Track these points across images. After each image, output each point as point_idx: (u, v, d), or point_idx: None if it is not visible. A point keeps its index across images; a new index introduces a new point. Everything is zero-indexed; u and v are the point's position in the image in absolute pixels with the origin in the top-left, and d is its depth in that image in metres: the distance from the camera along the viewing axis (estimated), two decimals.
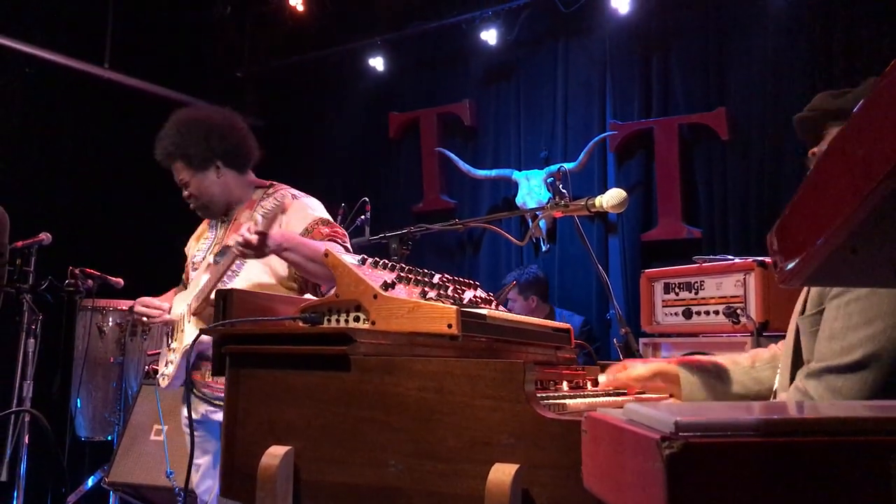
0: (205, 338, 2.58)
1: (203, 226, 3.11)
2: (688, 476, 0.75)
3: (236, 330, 1.78)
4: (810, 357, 1.65)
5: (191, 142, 2.85)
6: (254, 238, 2.41)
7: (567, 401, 1.67)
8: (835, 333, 1.55)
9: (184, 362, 2.69)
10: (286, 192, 2.90)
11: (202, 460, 2.75)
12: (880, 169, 0.75)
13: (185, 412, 2.83)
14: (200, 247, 3.00)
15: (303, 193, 2.91)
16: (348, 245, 2.75)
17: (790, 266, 0.93)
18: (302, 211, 2.78)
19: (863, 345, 1.51)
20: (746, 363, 2.03)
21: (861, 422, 0.80)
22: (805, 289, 1.74)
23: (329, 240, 2.65)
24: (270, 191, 2.94)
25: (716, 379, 2.00)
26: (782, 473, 0.76)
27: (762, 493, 0.76)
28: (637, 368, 2.03)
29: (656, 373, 2.01)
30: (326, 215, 2.83)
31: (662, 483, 0.76)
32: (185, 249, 3.13)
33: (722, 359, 2.06)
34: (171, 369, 2.78)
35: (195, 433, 2.79)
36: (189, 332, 2.75)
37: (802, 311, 1.72)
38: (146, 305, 2.86)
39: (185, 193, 2.92)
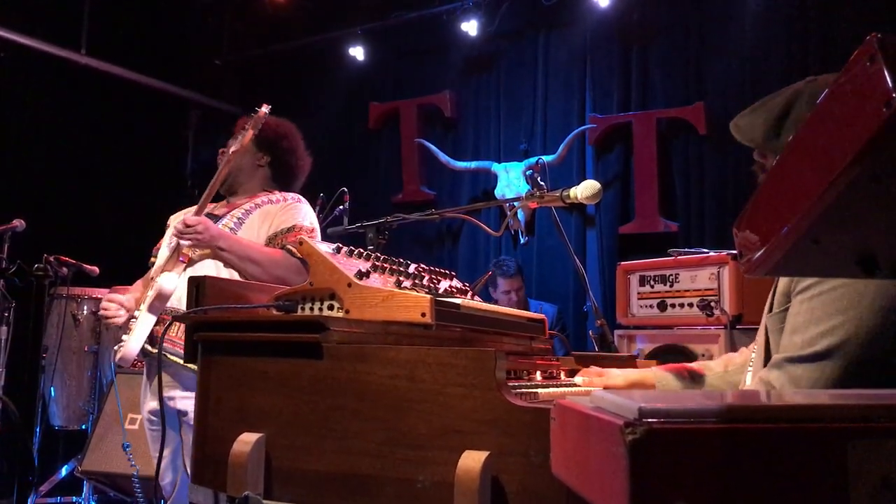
0: (168, 287, 2.59)
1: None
2: (650, 462, 0.76)
3: (209, 317, 1.77)
4: (776, 353, 1.68)
5: (275, 132, 3.12)
6: (194, 220, 2.66)
7: (539, 390, 1.68)
8: (797, 328, 1.58)
9: (148, 321, 2.67)
10: (292, 194, 3.06)
11: (163, 451, 2.72)
12: (841, 159, 0.76)
13: (149, 405, 2.81)
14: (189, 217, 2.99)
15: (305, 201, 3.05)
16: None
17: (755, 256, 0.95)
18: (295, 212, 2.93)
19: (823, 337, 1.53)
20: (720, 369, 2.05)
21: (820, 409, 0.81)
22: (773, 287, 1.77)
23: (291, 247, 2.78)
24: (277, 194, 3.04)
25: (691, 385, 2.03)
26: (743, 459, 0.77)
27: (724, 478, 0.77)
28: (614, 378, 2.03)
29: (633, 383, 2.02)
30: (314, 226, 2.97)
31: (625, 468, 0.77)
32: (169, 221, 3.13)
33: (697, 366, 2.08)
34: (127, 337, 2.71)
35: (154, 427, 2.78)
36: (152, 291, 2.74)
37: (770, 310, 1.75)
38: (111, 301, 2.82)
39: (222, 150, 3.02)
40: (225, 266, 2.74)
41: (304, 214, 2.95)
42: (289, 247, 2.79)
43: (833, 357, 1.52)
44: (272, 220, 2.87)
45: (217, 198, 3.17)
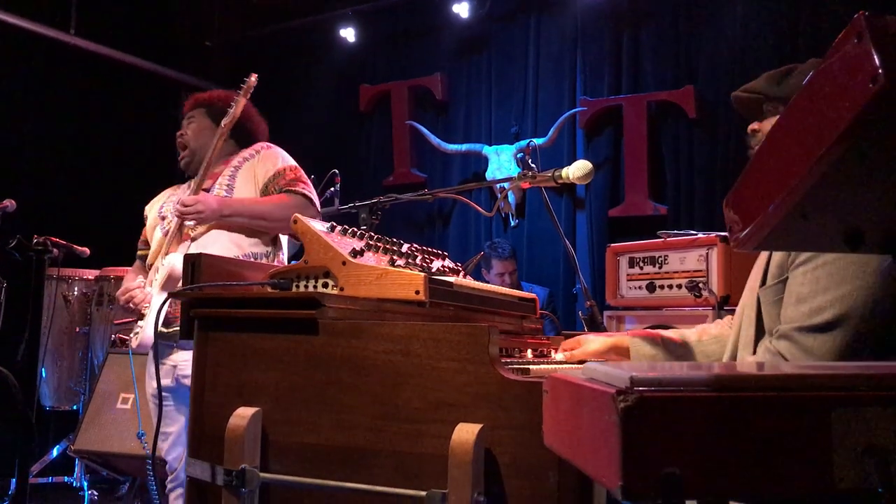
0: (179, 266, 2.61)
1: (170, 190, 3.18)
2: (642, 429, 0.79)
3: (205, 294, 1.79)
4: (773, 326, 1.69)
5: (226, 100, 3.10)
6: (191, 200, 2.71)
7: (531, 366, 1.71)
8: (802, 297, 1.59)
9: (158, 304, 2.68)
10: (260, 143, 3.09)
11: (172, 428, 2.75)
12: (829, 135, 0.79)
13: (152, 382, 2.83)
14: (171, 201, 3.02)
15: (274, 145, 3.10)
16: (311, 191, 2.94)
17: (744, 231, 0.97)
18: (273, 157, 2.98)
19: (832, 306, 1.54)
20: (694, 338, 2.09)
21: (805, 378, 0.84)
22: (762, 263, 1.79)
23: (288, 188, 2.87)
24: (246, 151, 3.07)
25: (665, 353, 2.06)
26: (731, 426, 0.80)
27: (712, 444, 0.79)
28: (592, 344, 2.08)
29: (610, 347, 2.06)
30: (295, 163, 3.03)
31: (618, 435, 0.79)
32: (146, 211, 3.16)
33: (672, 333, 2.11)
34: (143, 323, 2.72)
35: (164, 402, 2.80)
36: (162, 271, 2.75)
37: (762, 284, 1.77)
38: (129, 289, 2.83)
39: (180, 133, 3.13)
40: (230, 231, 2.80)
41: (282, 156, 3.01)
42: (287, 189, 2.87)
43: (843, 325, 1.54)
44: (256, 174, 2.92)
45: (182, 179, 3.19)
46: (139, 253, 3.14)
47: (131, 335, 2.80)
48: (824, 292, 1.55)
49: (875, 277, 1.52)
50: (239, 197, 2.85)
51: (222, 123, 2.92)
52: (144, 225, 3.14)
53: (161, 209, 3.01)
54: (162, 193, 3.18)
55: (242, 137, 3.10)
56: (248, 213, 2.79)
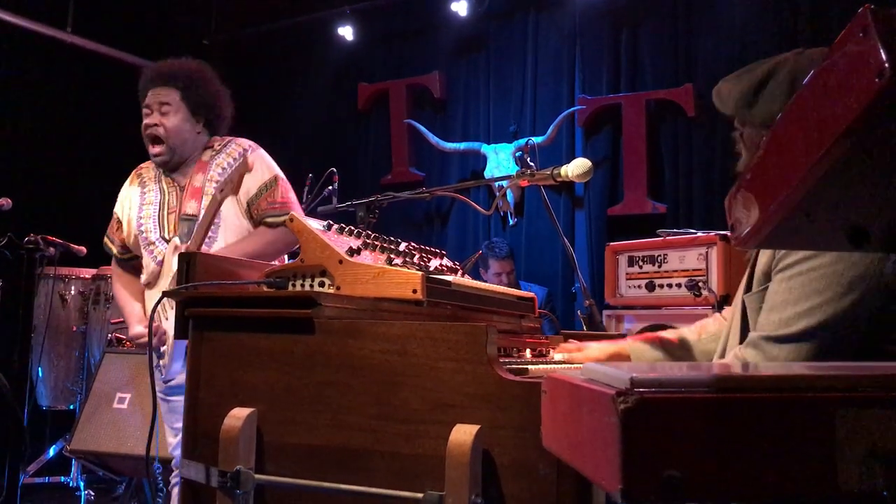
0: None
1: (133, 187, 3.02)
2: (642, 430, 0.77)
3: (200, 293, 1.77)
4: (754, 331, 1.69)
5: (203, 86, 2.93)
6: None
7: (529, 366, 1.69)
8: (775, 306, 1.59)
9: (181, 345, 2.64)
10: (239, 146, 2.93)
11: (180, 425, 2.73)
12: (833, 132, 0.77)
13: (160, 383, 2.81)
14: (147, 213, 2.91)
15: (255, 145, 2.96)
16: (297, 212, 2.84)
17: (746, 229, 0.96)
18: (255, 168, 2.81)
19: (801, 319, 1.54)
20: (693, 337, 2.08)
21: (809, 379, 0.83)
22: (750, 267, 1.78)
23: (273, 214, 2.79)
24: (218, 147, 2.94)
25: (665, 355, 2.05)
26: (734, 428, 0.78)
27: (714, 446, 0.78)
28: (591, 351, 2.07)
29: (610, 355, 2.06)
30: (272, 172, 2.90)
31: (618, 437, 0.78)
32: (116, 211, 3.04)
33: (671, 334, 2.11)
34: (164, 362, 2.70)
35: (174, 398, 2.79)
36: (171, 314, 2.71)
37: (748, 289, 1.76)
38: (142, 335, 2.77)
39: (153, 122, 2.88)
40: None
41: (264, 166, 2.87)
42: (268, 219, 2.80)
43: (809, 339, 1.53)
44: (236, 189, 2.70)
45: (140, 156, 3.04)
46: (120, 257, 3.02)
47: (155, 367, 2.77)
48: (795, 303, 1.54)
49: (848, 289, 1.50)
50: (227, 247, 2.74)
51: (218, 197, 2.64)
52: (116, 226, 3.03)
53: (140, 223, 2.89)
54: (127, 189, 3.03)
55: (215, 125, 2.99)
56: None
